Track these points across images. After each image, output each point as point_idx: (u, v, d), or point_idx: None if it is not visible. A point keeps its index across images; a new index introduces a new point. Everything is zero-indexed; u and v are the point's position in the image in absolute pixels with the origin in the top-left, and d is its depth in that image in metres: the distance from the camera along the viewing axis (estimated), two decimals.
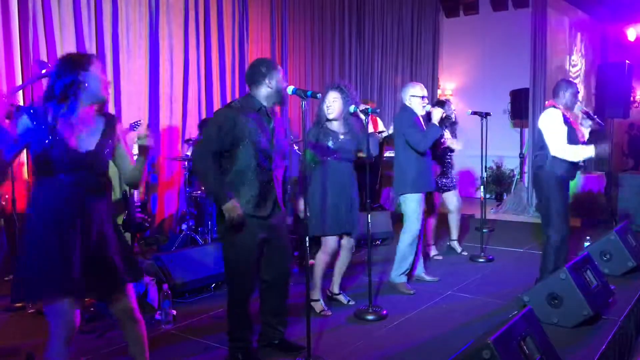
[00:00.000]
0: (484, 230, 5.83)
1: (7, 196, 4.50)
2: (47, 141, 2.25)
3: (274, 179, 3.08)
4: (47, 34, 5.21)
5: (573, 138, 4.15)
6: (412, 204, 4.43)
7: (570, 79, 6.10)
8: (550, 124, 4.16)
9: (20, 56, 5.02)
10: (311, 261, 3.92)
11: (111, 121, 2.46)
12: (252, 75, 3.11)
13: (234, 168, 3.01)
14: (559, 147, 4.11)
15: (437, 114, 4.36)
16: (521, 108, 8.86)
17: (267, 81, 3.06)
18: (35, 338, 3.49)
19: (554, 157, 4.14)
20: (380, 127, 7.36)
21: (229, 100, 6.98)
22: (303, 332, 3.13)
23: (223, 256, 3.13)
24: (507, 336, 2.58)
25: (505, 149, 9.06)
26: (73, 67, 2.31)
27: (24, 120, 2.26)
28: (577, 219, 7.42)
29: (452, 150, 5.48)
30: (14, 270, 2.33)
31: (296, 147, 5.79)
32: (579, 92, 4.34)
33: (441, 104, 5.52)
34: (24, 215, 2.36)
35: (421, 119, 4.46)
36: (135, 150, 2.56)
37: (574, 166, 4.25)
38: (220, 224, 3.08)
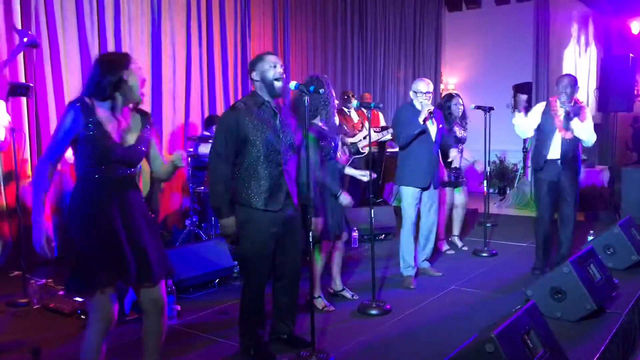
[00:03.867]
0: (487, 225, 5.82)
1: None
2: (93, 136, 2.31)
3: (285, 172, 3.07)
4: (49, 30, 5.21)
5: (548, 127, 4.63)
6: (406, 197, 4.49)
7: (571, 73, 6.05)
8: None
9: (22, 52, 5.02)
10: None
11: (147, 118, 2.55)
12: (249, 72, 3.14)
13: (244, 164, 3.03)
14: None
15: (423, 111, 4.33)
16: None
17: (254, 75, 3.08)
18: (42, 333, 3.52)
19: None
20: (382, 122, 7.35)
21: (231, 96, 6.99)
22: (308, 328, 3.13)
23: (238, 251, 3.16)
24: (511, 330, 2.58)
25: (509, 143, 9.01)
26: (118, 66, 2.38)
27: (73, 115, 2.31)
28: (580, 213, 7.41)
29: (463, 143, 5.48)
30: (64, 263, 2.41)
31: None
32: (567, 84, 4.54)
33: (449, 97, 5.52)
34: (62, 209, 2.42)
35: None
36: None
37: (540, 157, 4.68)
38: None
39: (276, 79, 3.04)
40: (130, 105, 2.49)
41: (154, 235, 2.54)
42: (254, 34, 7.27)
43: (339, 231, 4.00)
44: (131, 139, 2.45)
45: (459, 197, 5.63)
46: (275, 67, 3.05)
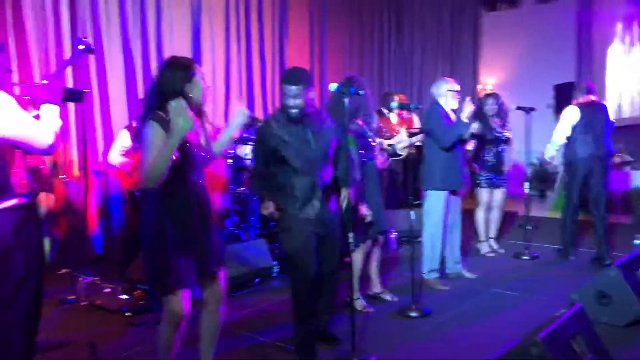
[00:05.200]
0: (528, 227, 5.72)
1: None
2: (186, 145, 2.41)
3: (317, 181, 3.10)
4: (94, 35, 5.38)
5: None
6: (434, 201, 4.43)
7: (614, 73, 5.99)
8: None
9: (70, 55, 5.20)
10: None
11: (202, 115, 2.62)
12: None
13: (279, 175, 3.11)
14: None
15: (466, 109, 4.29)
16: (565, 103, 8.61)
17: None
18: (90, 330, 3.63)
19: None
20: (416, 124, 7.27)
21: (268, 98, 7.07)
22: (348, 328, 3.14)
23: (283, 252, 3.27)
24: (557, 334, 2.54)
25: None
26: (181, 77, 2.44)
27: (155, 128, 2.37)
28: (626, 215, 7.21)
29: (506, 144, 5.40)
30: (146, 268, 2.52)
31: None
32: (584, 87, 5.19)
33: (490, 96, 5.45)
34: (141, 212, 2.54)
35: (452, 115, 4.45)
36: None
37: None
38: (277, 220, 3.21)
39: (290, 108, 3.05)
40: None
41: (215, 228, 2.63)
42: (291, 36, 7.33)
43: (377, 233, 3.99)
44: (204, 141, 2.57)
45: (497, 198, 5.56)
46: (295, 98, 3.02)
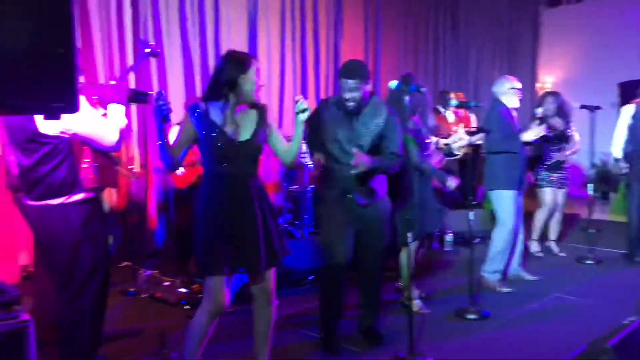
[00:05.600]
0: (591, 231, 5.51)
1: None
2: (209, 135, 2.47)
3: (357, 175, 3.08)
4: (155, 33, 5.54)
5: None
6: (504, 201, 4.31)
7: None
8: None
9: (133, 55, 5.37)
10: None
11: (263, 111, 2.64)
12: None
13: (324, 160, 3.14)
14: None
15: (530, 134, 4.32)
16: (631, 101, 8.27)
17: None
18: (150, 321, 3.73)
19: None
20: (474, 123, 7.12)
21: (322, 96, 7.08)
22: (401, 327, 3.11)
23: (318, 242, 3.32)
24: (628, 342, 2.43)
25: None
26: (237, 69, 2.49)
27: (191, 119, 2.51)
28: None
29: (567, 142, 5.23)
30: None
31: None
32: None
33: (550, 95, 5.28)
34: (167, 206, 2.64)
35: (514, 113, 4.36)
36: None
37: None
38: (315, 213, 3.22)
39: (347, 101, 3.07)
40: (245, 104, 2.59)
41: (271, 225, 2.62)
42: (346, 35, 7.32)
43: (423, 234, 3.93)
44: (246, 133, 2.54)
45: (559, 199, 5.37)
46: (351, 91, 3.04)
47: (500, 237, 4.37)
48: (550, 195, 5.29)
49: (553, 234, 5.56)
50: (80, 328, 2.57)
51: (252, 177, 2.58)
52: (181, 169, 4.76)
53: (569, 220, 7.02)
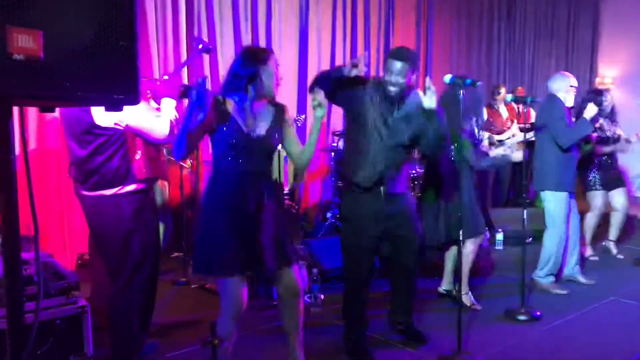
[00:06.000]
0: None
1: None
2: (227, 128, 2.46)
3: (384, 169, 2.98)
4: (209, 29, 5.64)
5: None
6: (556, 203, 4.16)
7: None
8: None
9: (187, 51, 5.48)
10: None
11: (281, 110, 2.63)
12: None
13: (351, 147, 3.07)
14: None
15: (590, 110, 4.05)
16: None
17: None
18: (200, 311, 3.81)
19: None
20: (533, 119, 6.94)
21: None
22: (453, 326, 3.07)
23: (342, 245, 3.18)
24: None
25: None
26: (256, 61, 2.47)
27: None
28: None
29: (616, 142, 5.01)
30: (193, 246, 2.54)
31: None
32: None
33: (598, 92, 5.06)
34: (200, 196, 2.59)
35: (569, 111, 4.20)
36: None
37: None
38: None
39: (391, 85, 2.91)
40: (264, 100, 2.56)
41: (283, 224, 2.58)
42: (397, 31, 7.25)
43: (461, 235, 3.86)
44: (261, 129, 2.52)
45: (619, 200, 5.15)
46: (397, 75, 2.88)
47: (551, 240, 4.24)
48: (600, 198, 5.08)
49: (613, 234, 5.35)
50: (130, 315, 2.65)
51: (264, 174, 2.55)
52: (189, 162, 4.87)
53: (628, 223, 6.76)
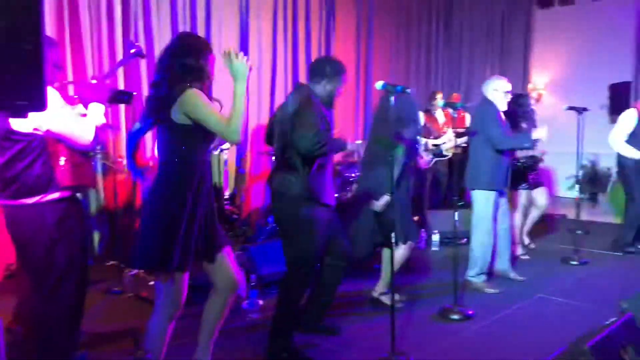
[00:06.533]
0: (578, 232, 5.54)
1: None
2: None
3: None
4: (146, 33, 5.52)
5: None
6: (485, 202, 4.32)
7: None
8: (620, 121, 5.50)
9: (123, 55, 5.34)
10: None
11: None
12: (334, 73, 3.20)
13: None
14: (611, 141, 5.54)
15: (540, 133, 4.32)
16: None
17: (326, 81, 3.15)
18: (135, 321, 3.69)
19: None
20: (468, 123, 7.15)
21: None
22: (387, 328, 3.12)
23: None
24: (606, 343, 2.44)
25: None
26: (204, 53, 2.51)
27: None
28: None
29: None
30: (137, 239, 2.49)
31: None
32: None
33: (521, 97, 5.28)
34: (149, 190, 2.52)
35: (502, 115, 4.35)
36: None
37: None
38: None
39: (335, 97, 3.16)
40: None
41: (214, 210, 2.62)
42: (338, 34, 7.32)
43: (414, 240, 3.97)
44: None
45: (540, 199, 5.42)
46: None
47: (476, 240, 4.38)
48: (524, 196, 5.33)
49: (526, 227, 5.61)
50: (57, 327, 2.56)
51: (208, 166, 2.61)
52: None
53: (555, 222, 7.07)
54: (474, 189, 4.39)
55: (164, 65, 2.47)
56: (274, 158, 3.22)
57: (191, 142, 2.44)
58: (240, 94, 2.40)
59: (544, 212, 5.58)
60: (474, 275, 4.42)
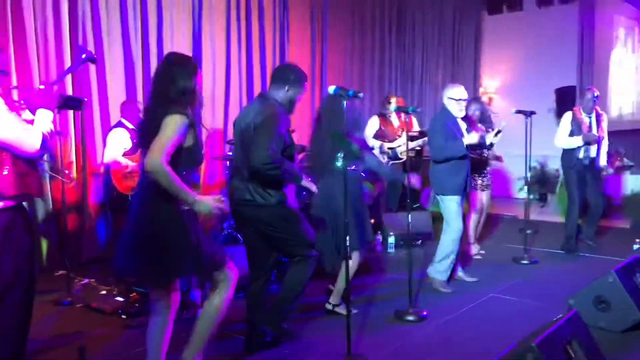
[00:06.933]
0: (528, 232, 5.71)
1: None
2: (196, 144, 2.53)
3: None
4: (95, 36, 5.38)
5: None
6: (451, 205, 4.41)
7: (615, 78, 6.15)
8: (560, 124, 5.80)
9: (70, 57, 5.19)
10: None
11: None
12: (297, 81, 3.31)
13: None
14: (556, 142, 5.77)
15: (472, 138, 4.34)
16: (567, 106, 8.61)
17: (289, 88, 3.26)
18: (84, 332, 3.62)
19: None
20: (415, 127, 7.23)
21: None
22: (342, 333, 3.13)
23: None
24: (552, 339, 2.52)
25: (550, 148, 8.76)
26: (194, 73, 2.55)
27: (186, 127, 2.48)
28: (626, 221, 7.18)
29: (489, 148, 5.38)
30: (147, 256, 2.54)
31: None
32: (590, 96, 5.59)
33: (474, 101, 5.41)
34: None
35: (459, 122, 4.45)
36: None
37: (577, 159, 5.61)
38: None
39: (295, 103, 3.30)
40: None
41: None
42: (292, 38, 7.33)
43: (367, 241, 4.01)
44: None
45: (484, 201, 5.58)
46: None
47: (448, 239, 4.46)
48: (477, 198, 5.48)
49: (477, 232, 5.74)
50: (2, 339, 2.46)
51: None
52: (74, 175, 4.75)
53: (506, 222, 7.27)
54: (437, 194, 4.51)
55: (159, 91, 2.53)
56: (232, 165, 3.24)
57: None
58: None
59: (486, 213, 5.71)
60: (438, 272, 4.49)
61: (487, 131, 5.17)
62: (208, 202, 2.47)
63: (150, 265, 2.55)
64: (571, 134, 5.62)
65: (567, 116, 5.75)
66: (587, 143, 5.54)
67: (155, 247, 2.51)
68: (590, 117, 5.64)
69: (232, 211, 3.19)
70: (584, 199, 5.73)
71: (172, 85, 2.49)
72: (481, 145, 4.77)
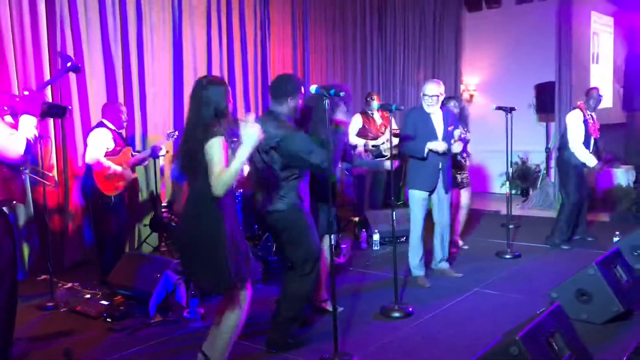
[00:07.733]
0: (510, 227, 5.77)
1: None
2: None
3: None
4: (74, 38, 5.32)
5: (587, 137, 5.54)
6: (414, 200, 4.55)
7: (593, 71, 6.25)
8: (569, 123, 5.62)
9: (48, 59, 5.12)
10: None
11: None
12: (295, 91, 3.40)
13: None
14: (573, 144, 5.55)
15: (438, 145, 4.38)
16: (546, 102, 8.73)
17: (291, 99, 3.36)
18: (69, 336, 3.59)
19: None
20: (393, 125, 7.26)
21: (251, 100, 7.04)
22: (329, 330, 3.15)
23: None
24: (535, 332, 2.56)
25: (531, 143, 8.92)
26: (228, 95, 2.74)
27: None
28: (605, 213, 7.30)
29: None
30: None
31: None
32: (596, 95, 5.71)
33: (451, 99, 5.44)
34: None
35: (432, 118, 4.48)
36: None
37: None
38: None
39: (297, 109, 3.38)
40: None
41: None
42: (274, 38, 7.31)
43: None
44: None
45: (465, 198, 5.64)
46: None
47: (412, 235, 4.60)
48: (457, 195, 5.55)
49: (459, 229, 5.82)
50: None
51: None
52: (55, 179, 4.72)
53: (489, 217, 7.34)
54: (409, 189, 4.63)
55: (194, 114, 2.66)
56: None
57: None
58: (241, 157, 2.56)
59: (467, 210, 5.76)
60: (415, 266, 4.58)
61: (465, 129, 5.25)
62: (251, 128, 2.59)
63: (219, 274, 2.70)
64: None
65: (578, 115, 5.58)
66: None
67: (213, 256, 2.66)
68: (591, 115, 5.66)
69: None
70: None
71: (206, 107, 2.61)
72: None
